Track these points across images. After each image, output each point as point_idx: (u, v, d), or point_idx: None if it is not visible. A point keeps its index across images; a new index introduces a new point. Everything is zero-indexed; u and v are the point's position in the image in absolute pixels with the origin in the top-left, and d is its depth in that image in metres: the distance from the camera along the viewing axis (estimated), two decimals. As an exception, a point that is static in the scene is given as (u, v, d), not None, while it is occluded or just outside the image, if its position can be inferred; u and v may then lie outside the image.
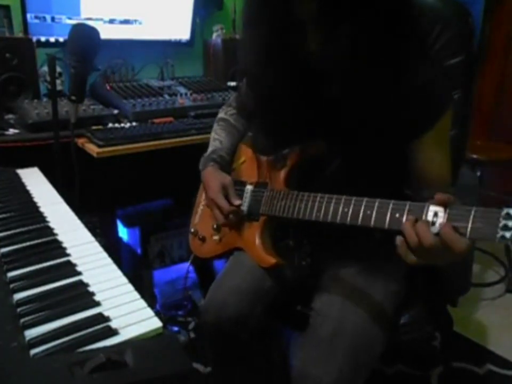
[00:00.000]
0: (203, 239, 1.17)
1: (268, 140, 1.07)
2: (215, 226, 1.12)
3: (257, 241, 1.02)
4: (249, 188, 1.08)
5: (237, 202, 1.04)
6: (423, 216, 0.71)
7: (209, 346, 1.07)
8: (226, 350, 1.04)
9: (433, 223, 0.70)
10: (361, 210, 0.79)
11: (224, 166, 1.13)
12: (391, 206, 0.75)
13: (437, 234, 0.69)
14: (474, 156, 2.10)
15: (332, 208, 0.84)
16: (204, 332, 1.05)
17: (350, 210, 0.80)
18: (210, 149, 1.17)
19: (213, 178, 1.08)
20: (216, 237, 1.13)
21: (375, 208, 0.77)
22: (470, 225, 0.66)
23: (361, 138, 0.86)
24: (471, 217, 0.66)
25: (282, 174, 1.02)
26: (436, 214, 0.70)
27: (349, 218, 0.81)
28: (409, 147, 0.92)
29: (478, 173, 2.16)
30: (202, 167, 1.13)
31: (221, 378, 1.14)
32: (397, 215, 0.74)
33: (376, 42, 0.78)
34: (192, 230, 1.21)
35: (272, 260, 0.99)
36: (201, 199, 1.23)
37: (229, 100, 1.31)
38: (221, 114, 1.26)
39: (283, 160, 1.03)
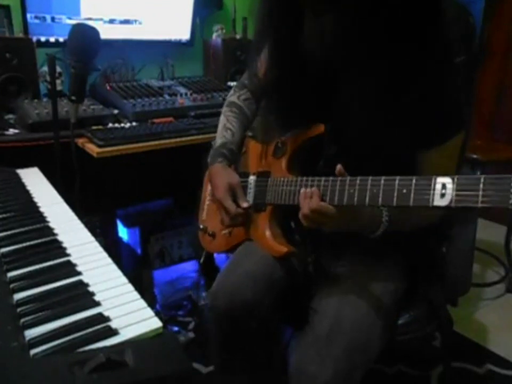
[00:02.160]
0: (213, 235, 1.16)
1: (277, 119, 1.05)
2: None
3: (267, 232, 1.02)
4: (252, 178, 1.08)
5: (244, 204, 1.03)
6: (431, 190, 0.70)
7: (215, 332, 1.05)
8: (231, 336, 1.03)
9: (442, 195, 0.69)
10: (368, 190, 0.77)
11: (233, 161, 1.12)
12: (397, 182, 0.74)
13: (450, 203, 0.67)
14: (474, 156, 2.09)
15: (337, 190, 0.83)
16: (211, 317, 1.02)
17: (356, 190, 0.79)
18: (220, 140, 1.15)
19: (220, 177, 1.06)
20: (225, 231, 1.13)
21: (381, 186, 0.76)
22: (481, 193, 0.64)
23: (359, 125, 0.86)
24: (481, 185, 0.64)
25: (283, 161, 1.01)
26: (444, 186, 0.68)
27: (356, 199, 0.79)
28: (416, 155, 0.90)
29: (478, 173, 2.16)
30: (211, 161, 1.12)
31: (221, 370, 1.13)
32: (404, 190, 0.73)
33: (371, 30, 0.78)
34: (201, 226, 1.21)
35: (284, 249, 0.98)
36: (206, 194, 1.23)
37: (242, 78, 1.25)
38: (233, 98, 1.22)
39: (283, 146, 1.02)
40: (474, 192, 0.65)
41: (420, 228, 0.95)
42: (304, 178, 0.92)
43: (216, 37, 2.06)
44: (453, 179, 0.68)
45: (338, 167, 0.83)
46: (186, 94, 1.78)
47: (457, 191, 0.67)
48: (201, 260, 1.27)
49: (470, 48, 0.97)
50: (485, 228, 2.15)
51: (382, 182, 0.76)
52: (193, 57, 2.13)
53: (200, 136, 1.53)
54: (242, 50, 2.01)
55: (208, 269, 1.31)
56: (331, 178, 0.85)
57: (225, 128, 1.16)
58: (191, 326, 1.82)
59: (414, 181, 0.72)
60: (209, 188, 1.23)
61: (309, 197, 0.86)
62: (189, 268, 2.05)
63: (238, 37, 2.07)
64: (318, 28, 0.84)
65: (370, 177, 0.78)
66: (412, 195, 0.72)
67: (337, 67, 0.86)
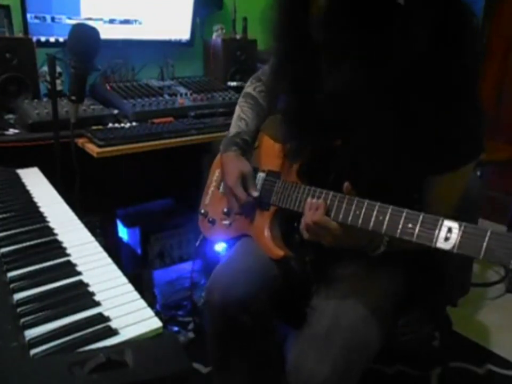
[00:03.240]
0: (213, 222, 1.17)
1: (289, 126, 1.04)
2: (225, 210, 1.11)
3: (266, 232, 1.02)
4: (261, 175, 1.08)
5: (254, 194, 1.04)
6: (436, 230, 0.70)
7: (210, 328, 1.05)
8: (226, 333, 1.03)
9: (447, 238, 0.69)
10: (373, 215, 0.78)
11: (246, 151, 1.12)
12: (404, 215, 0.74)
13: (452, 249, 0.68)
14: (475, 156, 2.09)
15: (343, 208, 0.83)
16: (206, 312, 1.03)
17: (362, 213, 0.79)
18: (234, 130, 1.15)
19: (233, 164, 1.07)
20: (226, 222, 1.14)
21: (388, 214, 0.76)
22: (485, 245, 0.64)
23: (378, 149, 0.85)
24: (487, 238, 0.64)
25: (295, 165, 1.01)
26: (449, 230, 0.69)
27: (360, 221, 0.79)
28: (427, 177, 0.90)
29: (478, 173, 2.16)
30: (224, 149, 1.12)
31: (218, 369, 1.13)
32: (410, 225, 0.73)
33: (385, 80, 0.77)
34: (202, 211, 1.21)
35: (280, 252, 0.99)
36: (213, 180, 1.23)
37: (259, 71, 1.24)
38: (249, 89, 1.21)
39: (298, 151, 1.02)
40: (478, 243, 0.65)
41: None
42: (313, 188, 0.92)
43: (216, 37, 2.06)
44: (460, 225, 0.68)
45: (346, 184, 0.83)
46: (186, 94, 1.78)
47: (462, 238, 0.67)
48: (197, 243, 1.28)
49: (474, 50, 0.96)
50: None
51: (389, 210, 0.76)
52: (193, 57, 2.12)
53: (200, 136, 1.53)
54: (242, 50, 2.01)
55: (204, 254, 1.31)
56: (339, 194, 0.84)
57: (239, 118, 1.17)
58: (191, 326, 1.82)
59: (421, 217, 0.72)
60: (216, 174, 1.23)
61: (314, 208, 0.86)
62: (189, 267, 2.05)
63: (238, 37, 2.07)
64: (332, 77, 0.83)
65: (378, 203, 0.78)
66: (417, 231, 0.72)
67: (353, 102, 0.85)
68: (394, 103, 0.80)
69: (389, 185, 0.85)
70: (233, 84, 1.95)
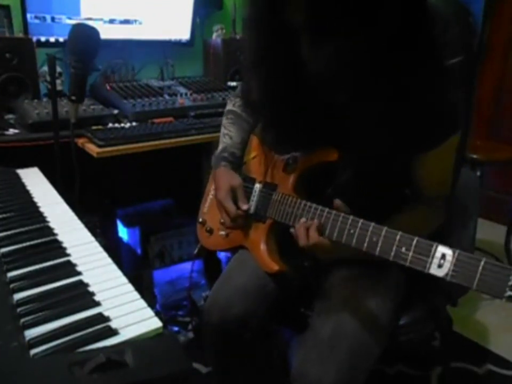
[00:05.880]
0: (210, 231, 1.17)
1: (274, 137, 1.05)
2: (222, 220, 1.12)
3: (262, 246, 1.02)
4: (258, 186, 1.07)
5: (244, 207, 1.03)
6: (430, 256, 0.70)
7: (210, 346, 1.06)
8: (228, 350, 1.04)
9: (440, 265, 0.68)
10: (367, 236, 0.78)
11: (236, 163, 1.13)
12: (398, 237, 0.74)
13: (445, 276, 0.67)
14: (474, 156, 2.09)
15: (338, 227, 0.83)
16: (205, 332, 1.04)
17: (356, 233, 0.79)
18: (221, 146, 1.16)
19: (223, 179, 1.07)
20: (223, 232, 1.14)
21: (382, 237, 0.76)
22: (478, 275, 0.64)
23: (371, 150, 0.85)
24: (480, 268, 0.64)
25: (292, 178, 1.00)
26: (443, 256, 0.68)
27: (354, 240, 0.80)
28: (414, 159, 0.91)
29: (478, 173, 2.16)
30: (214, 166, 1.13)
31: (221, 379, 1.14)
32: (403, 249, 0.73)
33: (369, 55, 0.76)
34: (200, 219, 1.21)
35: (275, 267, 0.99)
36: (211, 188, 1.23)
37: (236, 90, 1.28)
38: (229, 106, 1.23)
39: (294, 163, 1.01)
40: (472, 273, 0.64)
41: None
42: (308, 204, 0.91)
43: (216, 37, 2.06)
44: (454, 252, 0.67)
45: (336, 201, 0.84)
46: (186, 94, 1.78)
47: (455, 266, 0.67)
48: (196, 251, 1.28)
49: (470, 48, 0.96)
50: (485, 227, 2.15)
51: (383, 233, 0.76)
52: (193, 57, 2.12)
53: (200, 136, 1.53)
54: (242, 50, 2.01)
55: (207, 258, 1.31)
56: (334, 212, 0.85)
57: (223, 135, 1.18)
58: (191, 326, 1.82)
59: (414, 242, 0.72)
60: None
61: (306, 229, 0.87)
62: (189, 267, 2.04)
63: (238, 37, 2.07)
64: (317, 59, 0.81)
65: (372, 224, 0.78)
66: (410, 256, 0.72)
67: (341, 94, 0.84)
68: (381, 81, 0.79)
69: (382, 188, 0.86)
70: (233, 83, 1.94)
